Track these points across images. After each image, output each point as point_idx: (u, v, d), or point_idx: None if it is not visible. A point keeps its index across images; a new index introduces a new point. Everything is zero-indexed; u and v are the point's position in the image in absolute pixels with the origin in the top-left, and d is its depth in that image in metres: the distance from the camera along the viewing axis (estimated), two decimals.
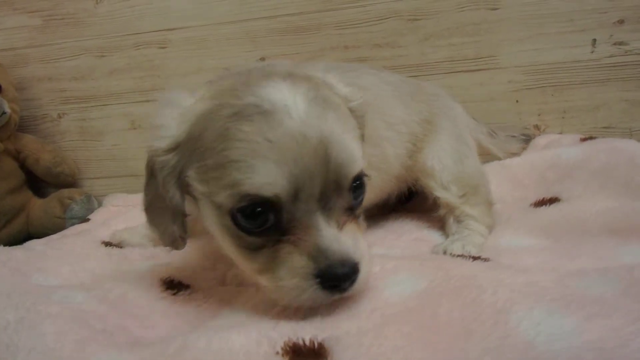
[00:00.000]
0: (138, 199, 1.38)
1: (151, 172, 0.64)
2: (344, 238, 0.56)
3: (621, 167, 0.96)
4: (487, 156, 1.21)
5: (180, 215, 0.64)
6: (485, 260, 0.72)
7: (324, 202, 0.56)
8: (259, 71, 0.68)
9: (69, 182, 1.56)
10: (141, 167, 1.70)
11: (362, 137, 0.68)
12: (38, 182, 1.57)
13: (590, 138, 1.17)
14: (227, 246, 0.62)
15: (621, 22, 1.29)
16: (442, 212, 0.97)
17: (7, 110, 1.41)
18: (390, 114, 0.94)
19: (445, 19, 1.36)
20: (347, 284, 0.56)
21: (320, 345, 0.53)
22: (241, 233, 0.58)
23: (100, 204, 1.48)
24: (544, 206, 0.95)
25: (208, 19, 1.46)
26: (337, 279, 0.55)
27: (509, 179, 1.12)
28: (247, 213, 0.56)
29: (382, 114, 0.92)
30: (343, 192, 0.58)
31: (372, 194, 0.90)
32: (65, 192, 1.48)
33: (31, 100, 1.59)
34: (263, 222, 0.56)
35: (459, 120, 1.08)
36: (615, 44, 1.30)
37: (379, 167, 0.89)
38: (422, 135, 0.97)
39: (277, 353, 0.52)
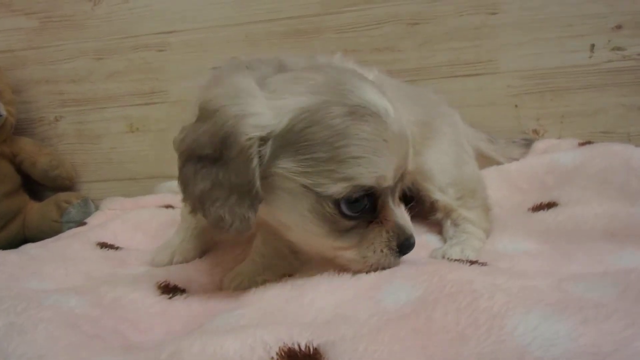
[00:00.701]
0: (136, 202, 1.40)
1: (220, 159, 0.63)
2: (405, 215, 0.71)
3: (618, 171, 0.96)
4: (486, 162, 1.21)
5: (257, 203, 0.64)
6: (482, 264, 0.71)
7: (393, 188, 0.69)
8: (330, 68, 0.71)
9: (66, 185, 1.56)
10: (140, 170, 1.70)
11: None
12: (35, 186, 1.56)
13: (588, 142, 1.17)
14: (314, 230, 0.67)
15: (619, 27, 1.29)
16: (439, 215, 0.97)
17: (3, 112, 1.40)
18: None
19: (444, 23, 1.36)
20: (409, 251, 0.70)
21: (316, 351, 0.52)
22: (340, 218, 0.66)
23: (97, 208, 1.47)
24: (541, 210, 0.95)
25: (207, 22, 1.46)
26: (410, 248, 0.70)
27: (508, 183, 1.11)
28: (351, 200, 0.65)
29: None
30: (403, 180, 0.71)
31: None
32: (62, 195, 1.48)
33: (28, 103, 1.59)
34: (361, 207, 0.66)
35: (459, 127, 1.09)
36: (613, 49, 1.30)
37: None
38: (420, 138, 0.97)
39: (272, 358, 0.51)
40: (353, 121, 0.62)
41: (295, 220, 0.68)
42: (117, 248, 1.03)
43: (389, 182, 0.66)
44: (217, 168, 0.63)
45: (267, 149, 0.63)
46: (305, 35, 1.43)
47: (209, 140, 0.63)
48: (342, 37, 1.41)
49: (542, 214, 0.94)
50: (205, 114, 0.65)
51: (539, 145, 1.27)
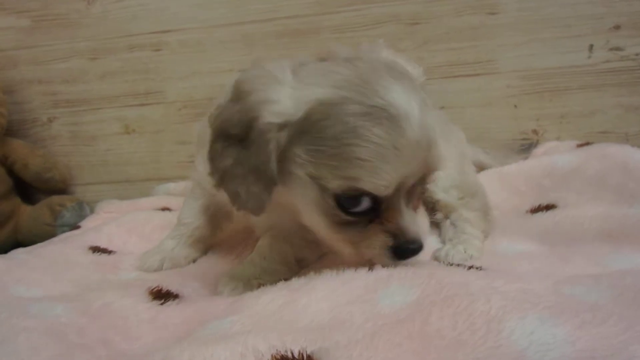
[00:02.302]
0: (132, 205, 1.38)
1: (245, 140, 0.66)
2: (418, 220, 0.70)
3: (614, 173, 0.96)
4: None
5: (272, 185, 0.67)
6: (479, 269, 0.70)
7: (408, 191, 0.68)
8: (365, 63, 0.69)
9: (60, 188, 1.54)
10: (135, 173, 1.68)
11: None
12: (27, 189, 1.54)
13: (587, 144, 1.17)
14: (316, 218, 0.69)
15: (617, 27, 1.29)
16: (439, 216, 0.97)
17: None
18: None
19: (443, 23, 1.36)
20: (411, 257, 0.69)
21: (309, 357, 0.51)
22: (340, 212, 0.66)
23: (92, 211, 1.46)
24: (540, 212, 0.95)
25: (203, 22, 1.45)
26: (409, 252, 0.68)
27: (507, 186, 1.11)
28: (352, 198, 0.65)
29: None
30: (423, 183, 0.71)
31: None
32: (56, 198, 1.46)
33: (20, 104, 1.57)
34: (362, 206, 0.66)
35: (464, 142, 1.13)
36: (611, 49, 1.30)
37: None
38: None
39: None
40: (366, 122, 0.62)
41: (303, 207, 0.70)
42: (110, 252, 1.01)
43: (389, 190, 0.65)
44: (240, 147, 0.66)
45: (284, 135, 0.65)
46: (302, 36, 1.42)
47: (237, 120, 0.66)
48: (340, 37, 1.40)
49: (540, 215, 0.94)
50: (238, 94, 0.68)
51: (539, 150, 1.28)
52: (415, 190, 0.69)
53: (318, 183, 0.65)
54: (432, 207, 0.98)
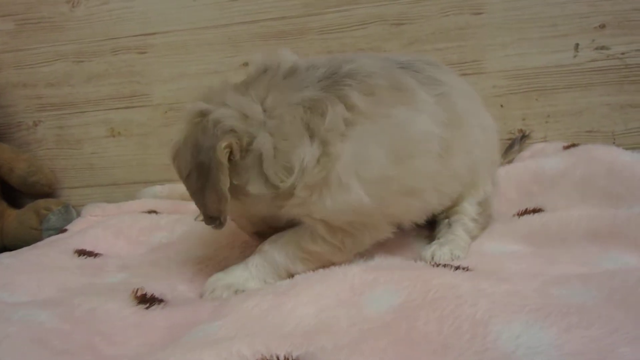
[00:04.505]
0: (118, 208, 1.38)
1: None
2: None
3: (601, 177, 0.96)
4: None
5: None
6: (466, 269, 0.70)
7: None
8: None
9: (46, 191, 1.52)
10: (122, 176, 1.67)
11: None
12: (13, 193, 1.53)
13: (573, 145, 1.17)
14: None
15: (602, 26, 1.29)
16: (442, 215, 0.94)
17: None
18: (483, 116, 0.95)
19: (429, 23, 1.35)
20: None
21: None
22: None
23: (78, 214, 1.44)
24: (527, 215, 0.95)
25: (189, 24, 1.44)
26: None
27: (498, 193, 1.11)
28: None
29: (476, 116, 0.92)
30: None
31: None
32: (42, 202, 1.43)
33: (5, 108, 1.55)
34: None
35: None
36: (597, 48, 1.31)
37: (461, 176, 0.88)
38: (483, 157, 0.95)
39: None
40: None
41: None
42: (96, 255, 1.00)
43: None
44: None
45: None
46: (289, 37, 1.41)
47: None
48: (326, 38, 1.40)
49: (528, 217, 0.94)
50: None
51: (525, 153, 1.28)
52: None
53: None
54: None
